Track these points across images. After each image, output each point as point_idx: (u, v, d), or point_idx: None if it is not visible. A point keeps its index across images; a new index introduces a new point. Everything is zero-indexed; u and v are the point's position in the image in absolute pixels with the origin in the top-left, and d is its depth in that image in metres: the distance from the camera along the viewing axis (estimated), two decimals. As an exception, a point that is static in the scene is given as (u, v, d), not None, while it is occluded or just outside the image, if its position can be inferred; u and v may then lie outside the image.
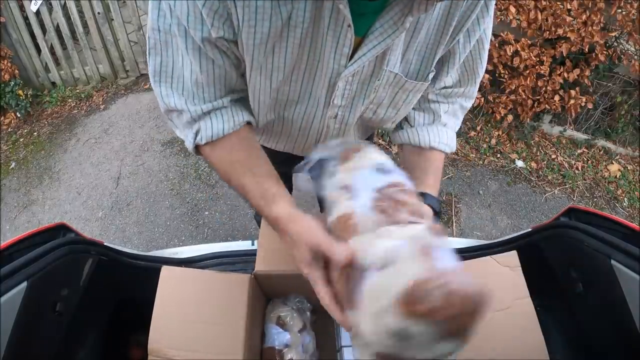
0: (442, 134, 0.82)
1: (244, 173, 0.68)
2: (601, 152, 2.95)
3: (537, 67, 2.58)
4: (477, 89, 0.83)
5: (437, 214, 0.74)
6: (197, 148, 0.72)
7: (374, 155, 0.65)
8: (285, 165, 0.94)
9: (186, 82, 0.66)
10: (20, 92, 3.37)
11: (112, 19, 3.38)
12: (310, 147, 0.89)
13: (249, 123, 0.75)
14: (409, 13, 0.58)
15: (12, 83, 3.33)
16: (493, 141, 2.98)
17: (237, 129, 0.71)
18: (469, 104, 0.85)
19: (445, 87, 0.79)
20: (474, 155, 2.93)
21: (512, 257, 0.92)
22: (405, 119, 0.84)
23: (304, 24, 0.57)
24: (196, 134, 0.70)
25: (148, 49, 0.64)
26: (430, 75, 0.71)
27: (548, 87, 2.62)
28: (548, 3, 2.41)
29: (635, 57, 2.53)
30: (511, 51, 2.55)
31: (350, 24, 0.57)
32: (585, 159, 2.92)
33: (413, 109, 0.82)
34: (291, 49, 0.61)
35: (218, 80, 0.67)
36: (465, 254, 1.08)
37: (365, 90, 0.70)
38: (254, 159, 0.70)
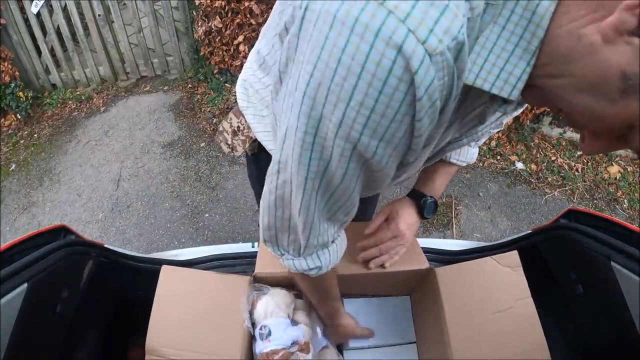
0: (463, 151, 0.89)
1: (326, 297, 0.86)
2: (601, 154, 2.95)
3: (536, 69, 2.58)
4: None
5: (420, 207, 0.91)
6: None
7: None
8: None
9: (337, 213, 0.59)
10: (20, 93, 3.37)
11: (113, 21, 3.39)
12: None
13: None
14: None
15: (13, 85, 3.33)
16: (493, 143, 2.98)
17: None
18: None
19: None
20: (473, 157, 2.93)
21: (513, 257, 0.92)
22: None
23: (449, 119, 0.53)
24: (312, 268, 0.67)
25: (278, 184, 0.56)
26: (501, 116, 0.72)
27: (548, 89, 2.62)
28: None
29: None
30: (511, 53, 2.55)
31: (483, 121, 0.57)
32: (585, 161, 2.92)
33: None
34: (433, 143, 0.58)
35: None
36: (465, 255, 1.08)
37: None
38: (334, 288, 0.84)
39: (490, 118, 0.62)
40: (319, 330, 0.95)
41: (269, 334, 0.87)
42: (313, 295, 0.86)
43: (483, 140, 0.90)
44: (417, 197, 0.92)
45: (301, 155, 0.48)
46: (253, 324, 0.90)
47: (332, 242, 0.66)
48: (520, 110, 0.79)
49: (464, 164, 0.91)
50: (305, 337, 0.89)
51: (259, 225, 0.67)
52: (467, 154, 0.90)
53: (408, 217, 0.91)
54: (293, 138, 0.47)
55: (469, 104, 0.52)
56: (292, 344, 0.87)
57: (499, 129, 0.76)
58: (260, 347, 0.86)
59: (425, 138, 0.47)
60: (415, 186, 0.95)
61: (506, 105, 0.47)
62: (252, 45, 0.78)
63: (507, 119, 0.79)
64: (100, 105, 3.52)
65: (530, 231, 1.04)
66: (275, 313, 0.89)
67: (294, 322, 0.91)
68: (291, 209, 0.57)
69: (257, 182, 1.03)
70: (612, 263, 0.79)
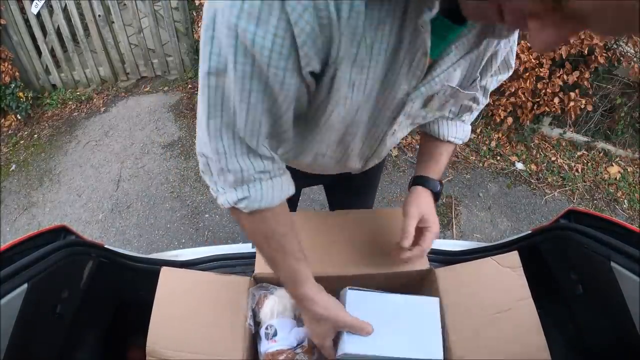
0: (459, 128, 0.91)
1: (276, 249, 0.71)
2: (601, 154, 2.95)
3: (536, 70, 2.58)
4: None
5: (436, 195, 0.90)
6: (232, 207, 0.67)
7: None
8: (300, 185, 0.94)
9: (239, 129, 0.58)
10: (20, 94, 3.38)
11: (113, 22, 3.39)
12: (352, 168, 0.91)
13: None
14: (488, 35, 0.57)
15: (13, 85, 3.34)
16: (493, 144, 2.98)
17: (282, 202, 0.68)
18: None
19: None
20: (473, 158, 2.93)
21: (513, 257, 0.92)
22: None
23: (387, 53, 0.55)
24: (241, 199, 0.64)
25: (200, 93, 0.57)
26: (477, 81, 0.73)
27: (548, 90, 2.62)
28: (547, 6, 2.42)
29: (635, 59, 2.54)
30: (511, 54, 2.56)
31: (427, 52, 0.55)
32: (585, 161, 2.92)
33: None
34: (371, 80, 0.58)
35: (273, 124, 0.60)
36: (464, 256, 1.08)
37: (423, 103, 0.71)
38: (288, 237, 0.71)
39: (445, 62, 0.60)
40: None
41: (275, 333, 0.86)
42: (263, 247, 0.72)
43: (474, 113, 0.91)
44: (430, 185, 0.90)
45: (204, 50, 0.51)
46: (258, 323, 0.90)
47: (270, 179, 0.65)
48: (492, 80, 0.81)
49: (461, 142, 0.92)
50: (310, 339, 0.89)
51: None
52: (463, 131, 0.92)
53: (434, 211, 0.89)
54: (202, 37, 0.51)
55: (411, 45, 0.54)
56: (297, 345, 0.87)
57: (473, 93, 0.74)
58: (266, 346, 0.86)
59: (315, 42, 0.48)
60: (422, 173, 0.91)
61: (430, 11, 0.48)
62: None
63: (485, 83, 0.81)
64: (100, 105, 3.53)
65: (530, 232, 1.04)
66: (281, 313, 0.89)
67: (300, 324, 0.91)
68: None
69: None
70: (612, 263, 0.79)
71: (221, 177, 0.64)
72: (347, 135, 0.73)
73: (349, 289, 0.82)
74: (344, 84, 0.57)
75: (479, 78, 0.72)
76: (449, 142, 0.91)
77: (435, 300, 0.84)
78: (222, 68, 0.51)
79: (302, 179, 0.96)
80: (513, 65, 0.82)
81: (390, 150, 2.93)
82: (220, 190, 0.66)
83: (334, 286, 0.82)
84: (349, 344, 0.75)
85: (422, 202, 0.87)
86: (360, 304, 0.80)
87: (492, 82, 0.84)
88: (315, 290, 0.75)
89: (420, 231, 0.85)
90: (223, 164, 0.61)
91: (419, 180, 0.91)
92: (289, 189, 0.69)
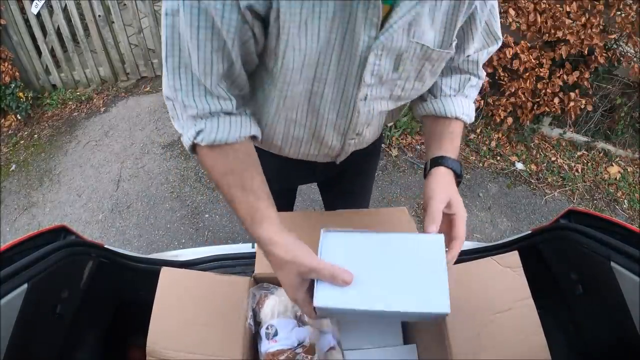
0: (464, 104, 0.86)
1: (235, 185, 0.67)
2: (601, 154, 2.95)
3: (536, 70, 2.58)
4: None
5: (458, 176, 0.81)
6: (194, 146, 0.70)
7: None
8: (290, 180, 0.92)
9: (194, 69, 0.62)
10: (20, 94, 3.38)
11: (113, 22, 3.39)
12: (331, 146, 0.88)
13: (254, 137, 0.74)
14: None
15: (13, 85, 3.34)
16: (493, 144, 2.98)
17: (241, 141, 0.69)
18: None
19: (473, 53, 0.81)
20: (473, 158, 2.93)
21: (513, 257, 0.92)
22: (429, 91, 0.85)
23: None
24: (198, 132, 0.66)
25: (161, 36, 0.63)
26: (453, 44, 0.71)
27: (548, 90, 2.62)
28: (547, 6, 2.42)
29: (635, 59, 2.54)
30: (511, 54, 2.56)
31: None
32: (585, 161, 2.92)
33: (440, 77, 0.83)
34: (324, 25, 0.59)
35: (227, 68, 0.64)
36: (465, 256, 1.08)
37: (393, 65, 0.69)
38: (249, 174, 0.68)
39: (401, 8, 0.60)
40: (326, 330, 0.94)
41: (276, 333, 0.86)
42: (222, 185, 0.69)
43: (475, 89, 0.88)
44: (452, 165, 0.81)
45: None
46: (259, 323, 0.90)
47: (227, 116, 0.68)
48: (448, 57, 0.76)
49: (469, 120, 0.86)
50: (311, 339, 0.89)
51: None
52: (469, 106, 0.87)
53: (459, 195, 0.80)
54: None
55: None
56: (297, 344, 0.87)
57: (448, 52, 0.72)
58: (266, 346, 0.86)
59: None
60: (440, 152, 0.83)
61: None
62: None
63: (476, 58, 0.81)
64: (101, 105, 3.53)
65: (530, 232, 1.04)
66: (282, 313, 0.89)
67: (301, 323, 0.91)
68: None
69: None
70: (612, 263, 0.79)
71: (183, 115, 0.68)
72: (314, 96, 0.72)
73: (325, 230, 0.69)
74: (292, 26, 0.58)
75: (455, 41, 0.71)
76: (457, 118, 0.84)
77: (439, 238, 0.69)
78: (176, 7, 0.57)
79: (292, 170, 0.94)
80: (500, 36, 0.81)
81: (387, 144, 2.93)
82: (185, 132, 0.69)
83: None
84: (320, 296, 0.61)
85: (448, 184, 0.78)
86: (341, 247, 0.66)
87: (483, 54, 0.83)
88: (275, 231, 0.65)
89: (446, 218, 0.74)
90: (180, 100, 0.65)
91: (439, 161, 0.80)
92: (249, 129, 0.70)
